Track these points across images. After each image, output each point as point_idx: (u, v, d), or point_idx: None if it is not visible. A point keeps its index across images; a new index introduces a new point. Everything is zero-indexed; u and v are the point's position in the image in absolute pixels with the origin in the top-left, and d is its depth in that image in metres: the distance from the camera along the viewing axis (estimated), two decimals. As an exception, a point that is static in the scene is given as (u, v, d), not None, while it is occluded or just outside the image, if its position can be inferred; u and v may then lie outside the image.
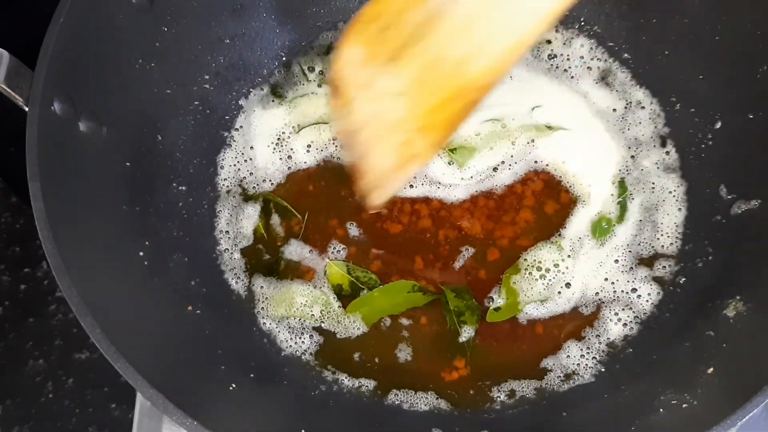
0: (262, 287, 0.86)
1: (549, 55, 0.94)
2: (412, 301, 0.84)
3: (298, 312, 0.84)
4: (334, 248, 0.87)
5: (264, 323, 0.84)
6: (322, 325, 0.84)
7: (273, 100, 0.94)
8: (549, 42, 0.94)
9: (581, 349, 0.81)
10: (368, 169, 0.74)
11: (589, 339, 0.81)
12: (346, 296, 0.85)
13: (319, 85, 0.94)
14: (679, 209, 0.86)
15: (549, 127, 0.90)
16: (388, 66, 0.69)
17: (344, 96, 0.72)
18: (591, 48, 0.94)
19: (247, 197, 0.90)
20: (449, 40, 0.66)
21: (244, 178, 0.90)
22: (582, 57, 0.93)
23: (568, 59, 0.93)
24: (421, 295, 0.84)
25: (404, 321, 0.84)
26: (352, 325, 0.84)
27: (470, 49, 0.66)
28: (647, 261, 0.84)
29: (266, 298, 0.85)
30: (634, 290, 0.83)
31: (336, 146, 0.91)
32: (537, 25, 0.65)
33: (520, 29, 0.65)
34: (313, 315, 0.84)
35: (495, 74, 0.68)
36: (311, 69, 0.95)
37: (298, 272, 0.86)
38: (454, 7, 0.66)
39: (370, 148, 0.73)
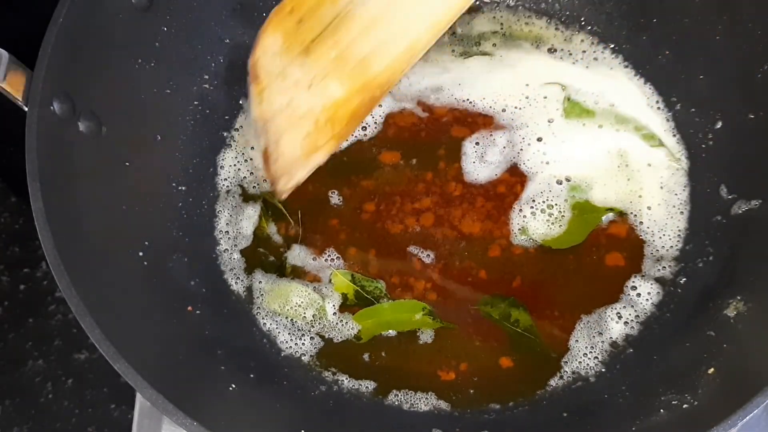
0: (260, 282, 0.86)
1: (549, 49, 0.94)
2: (419, 324, 0.83)
3: (291, 312, 0.84)
4: (335, 248, 0.87)
5: (264, 324, 0.84)
6: (312, 328, 0.84)
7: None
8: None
9: (584, 348, 0.81)
10: (277, 157, 0.79)
11: (593, 338, 0.81)
12: (351, 305, 0.85)
13: None
14: (681, 212, 0.86)
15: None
16: (301, 58, 0.74)
17: (261, 83, 0.76)
18: (592, 43, 0.94)
19: (247, 197, 0.90)
20: (355, 37, 0.72)
21: (245, 177, 0.90)
22: (584, 51, 0.94)
23: (570, 54, 0.94)
24: (429, 320, 0.83)
25: (404, 321, 0.84)
26: (344, 332, 0.83)
27: (372, 48, 0.72)
28: (648, 264, 0.84)
29: (263, 292, 0.85)
30: (633, 288, 0.83)
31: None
32: (430, 30, 0.72)
33: (415, 33, 0.72)
34: (305, 317, 0.84)
35: (393, 73, 0.74)
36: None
37: (301, 273, 0.86)
38: (361, 8, 0.71)
39: (280, 136, 0.78)
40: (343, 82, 0.74)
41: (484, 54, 0.94)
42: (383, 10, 0.72)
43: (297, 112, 0.76)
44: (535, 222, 0.86)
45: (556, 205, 0.86)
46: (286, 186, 0.81)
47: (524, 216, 0.86)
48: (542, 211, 0.86)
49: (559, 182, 0.87)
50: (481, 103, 0.92)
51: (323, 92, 0.74)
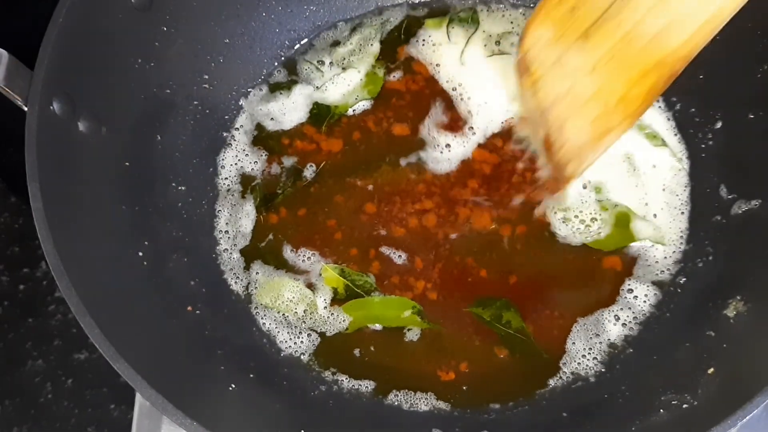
0: (257, 273, 0.86)
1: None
2: (406, 322, 0.83)
3: (282, 306, 0.84)
4: (334, 248, 0.87)
5: (264, 323, 0.84)
6: (304, 323, 0.84)
7: (274, 99, 0.94)
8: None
9: (582, 349, 0.81)
10: (562, 143, 0.76)
11: (590, 339, 0.81)
12: (341, 300, 0.85)
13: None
14: (682, 213, 0.86)
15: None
16: (579, 43, 0.71)
17: (533, 75, 0.74)
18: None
19: (245, 187, 0.90)
20: (643, 16, 0.68)
21: (248, 171, 0.90)
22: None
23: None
24: (417, 319, 0.83)
25: (404, 321, 0.84)
26: (336, 325, 0.84)
27: (668, 21, 0.67)
28: (645, 267, 0.84)
29: (258, 285, 0.85)
30: (630, 290, 0.83)
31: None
32: None
33: (718, 4, 0.66)
34: (296, 313, 0.84)
35: (695, 46, 0.68)
36: (320, 63, 0.95)
37: (295, 270, 0.86)
38: None
39: (563, 122, 0.75)
40: (635, 62, 0.71)
41: (503, 53, 0.94)
42: None
43: (581, 96, 0.74)
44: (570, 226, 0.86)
45: (593, 212, 0.87)
46: (575, 171, 0.79)
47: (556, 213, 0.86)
48: (576, 216, 0.86)
49: (584, 186, 0.87)
50: (495, 106, 0.92)
51: (611, 74, 0.72)
